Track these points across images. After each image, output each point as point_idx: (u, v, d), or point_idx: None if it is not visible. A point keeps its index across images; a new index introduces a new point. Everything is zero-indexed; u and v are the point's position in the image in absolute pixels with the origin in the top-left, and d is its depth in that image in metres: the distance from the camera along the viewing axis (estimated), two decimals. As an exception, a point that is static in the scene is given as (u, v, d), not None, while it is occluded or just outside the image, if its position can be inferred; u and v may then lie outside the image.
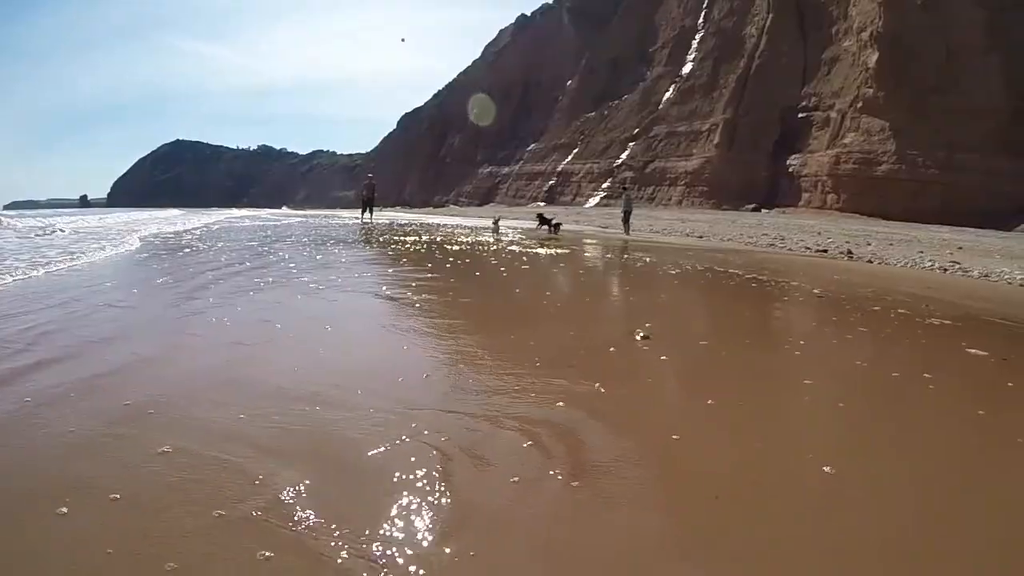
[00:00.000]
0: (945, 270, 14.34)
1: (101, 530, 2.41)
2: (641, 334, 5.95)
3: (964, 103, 40.01)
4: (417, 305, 7.48)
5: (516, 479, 2.93)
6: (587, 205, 65.87)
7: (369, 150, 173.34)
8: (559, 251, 16.22)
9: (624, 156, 70.45)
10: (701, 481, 3.06)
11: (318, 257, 12.95)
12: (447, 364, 4.98)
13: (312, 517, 2.51)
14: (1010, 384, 5.12)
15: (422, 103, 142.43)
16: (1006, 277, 13.08)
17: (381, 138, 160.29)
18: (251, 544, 2.31)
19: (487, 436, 3.46)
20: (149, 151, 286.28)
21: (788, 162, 51.19)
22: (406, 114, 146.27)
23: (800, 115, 52.58)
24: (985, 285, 12.36)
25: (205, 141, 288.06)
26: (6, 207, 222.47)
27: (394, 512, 2.60)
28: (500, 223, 25.72)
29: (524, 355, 5.19)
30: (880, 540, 2.58)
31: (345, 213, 57.08)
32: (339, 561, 2.24)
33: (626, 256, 16.07)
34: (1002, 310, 8.89)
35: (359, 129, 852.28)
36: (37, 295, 7.36)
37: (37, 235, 17.79)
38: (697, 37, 69.96)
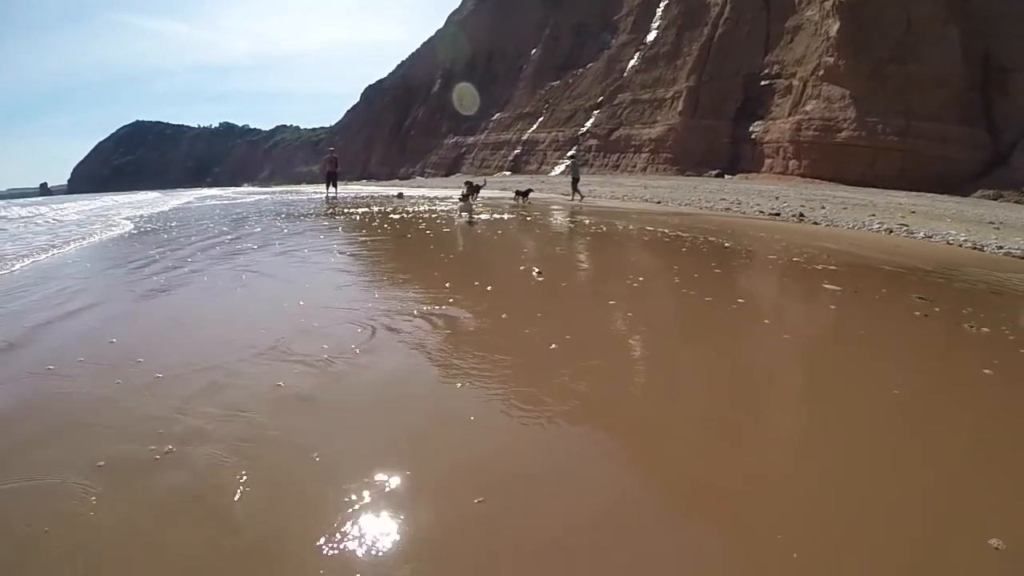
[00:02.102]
0: (891, 231, 14.79)
1: (194, 358, 4.50)
2: (536, 271, 7.80)
3: (922, 72, 40.28)
4: (362, 256, 9.72)
5: (412, 336, 5.04)
6: (552, 173, 65.16)
7: (333, 124, 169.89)
8: (505, 216, 16.73)
9: (589, 124, 69.87)
10: (520, 342, 5.03)
11: (286, 229, 14.16)
12: (381, 286, 7.18)
13: (291, 349, 4.64)
14: (832, 306, 6.70)
15: (385, 75, 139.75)
16: (949, 238, 13.67)
17: (345, 111, 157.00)
18: (266, 361, 4.42)
19: (400, 319, 5.51)
20: (108, 134, 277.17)
21: (751, 129, 51.21)
22: (369, 86, 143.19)
23: (763, 83, 52.41)
24: (920, 244, 13.07)
25: (166, 121, 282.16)
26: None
27: (335, 346, 4.70)
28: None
29: (440, 282, 7.15)
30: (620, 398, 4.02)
31: (309, 188, 58.13)
32: (305, 363, 4.34)
33: (566, 219, 16.99)
34: (906, 262, 9.84)
35: (322, 103, 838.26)
36: (65, 265, 9.56)
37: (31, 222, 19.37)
38: (661, 5, 69.08)
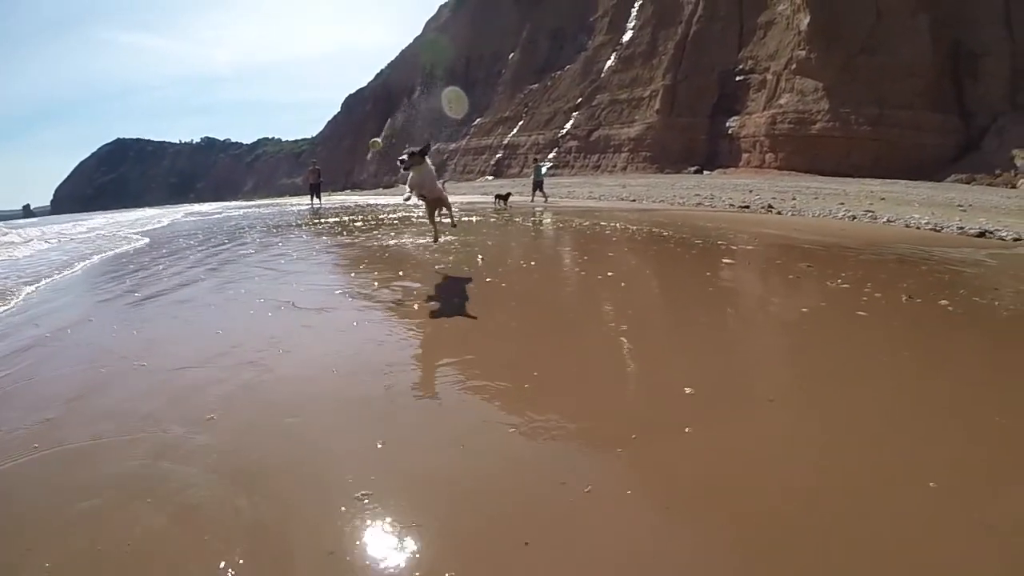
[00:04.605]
0: (854, 218, 14.93)
1: (231, 316, 5.98)
2: (481, 257, 9.04)
3: (893, 62, 41.29)
4: (341, 255, 10.71)
5: (368, 298, 6.30)
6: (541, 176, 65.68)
7: (315, 135, 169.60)
8: (475, 219, 16.90)
9: (568, 126, 70.47)
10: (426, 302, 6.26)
11: (277, 237, 14.84)
12: (355, 272, 8.38)
13: (296, 305, 6.04)
14: (707, 273, 7.65)
15: (365, 83, 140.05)
16: (911, 221, 13.77)
17: (326, 122, 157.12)
18: (282, 311, 5.87)
19: (365, 290, 6.72)
20: (90, 153, 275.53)
21: (727, 124, 52.10)
22: (350, 95, 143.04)
23: (737, 78, 53.32)
24: (872, 228, 13.34)
25: (147, 138, 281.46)
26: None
27: (322, 302, 6.21)
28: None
29: (400, 268, 8.36)
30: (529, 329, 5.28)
31: (294, 200, 58.27)
32: (306, 310, 5.85)
33: (533, 219, 17.27)
34: (835, 242, 10.44)
35: (304, 114, 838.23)
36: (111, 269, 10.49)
37: (67, 238, 19.43)
38: (636, 5, 69.77)
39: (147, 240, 16.15)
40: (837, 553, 2.16)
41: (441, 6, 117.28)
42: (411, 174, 7.69)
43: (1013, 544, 2.20)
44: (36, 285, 8.80)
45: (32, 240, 20.11)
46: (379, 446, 2.97)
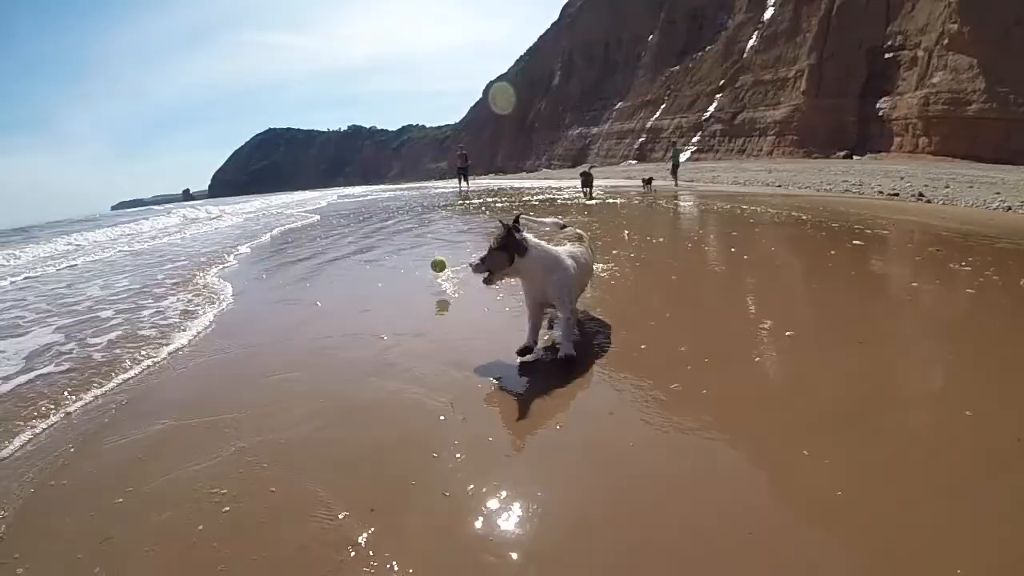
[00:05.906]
0: (1009, 208, 14.37)
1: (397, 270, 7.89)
2: (626, 232, 10.10)
3: (1053, 34, 37.91)
4: (487, 227, 12.02)
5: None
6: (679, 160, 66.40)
7: (457, 121, 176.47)
8: (619, 201, 18.68)
9: (712, 109, 70.74)
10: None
11: (431, 215, 17.28)
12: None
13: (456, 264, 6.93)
14: (832, 252, 7.87)
15: (506, 70, 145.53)
16: None
17: (468, 108, 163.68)
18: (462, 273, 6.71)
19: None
20: (243, 142, 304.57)
21: (877, 106, 50.14)
22: (491, 82, 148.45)
23: (887, 55, 51.09)
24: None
25: (296, 127, 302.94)
26: (113, 207, 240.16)
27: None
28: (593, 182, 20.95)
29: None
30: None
31: (439, 183, 61.38)
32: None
33: (676, 202, 18.20)
34: (976, 230, 10.05)
35: (446, 101, 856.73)
36: (298, 238, 13.39)
37: (245, 216, 23.80)
38: (776, -20, 68.50)
39: (317, 217, 18.87)
40: (858, 448, 2.63)
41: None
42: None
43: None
44: (238, 249, 10.91)
45: (221, 216, 24.40)
46: (517, 361, 3.83)
